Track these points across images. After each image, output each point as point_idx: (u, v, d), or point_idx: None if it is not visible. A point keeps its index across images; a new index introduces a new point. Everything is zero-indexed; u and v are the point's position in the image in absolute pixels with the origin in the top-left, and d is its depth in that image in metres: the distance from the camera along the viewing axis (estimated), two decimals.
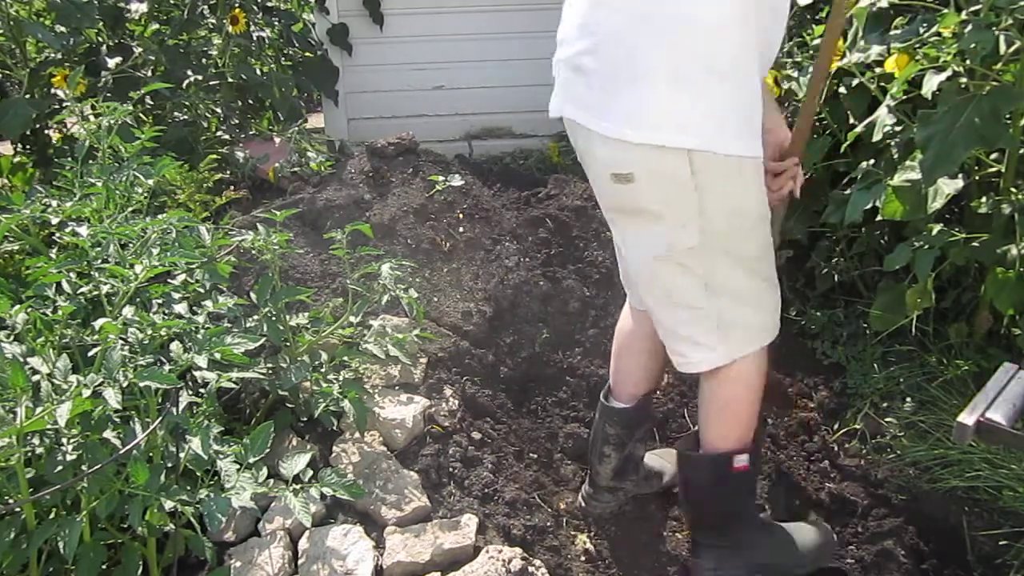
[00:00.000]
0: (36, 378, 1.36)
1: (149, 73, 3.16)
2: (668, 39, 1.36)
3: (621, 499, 1.91)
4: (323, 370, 1.85)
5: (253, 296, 1.84)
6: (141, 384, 1.33)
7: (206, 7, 3.37)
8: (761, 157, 1.47)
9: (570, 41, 1.47)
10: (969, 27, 1.72)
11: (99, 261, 1.59)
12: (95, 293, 1.61)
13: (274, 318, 1.81)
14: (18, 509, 1.28)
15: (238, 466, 1.37)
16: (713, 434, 1.64)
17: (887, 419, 2.05)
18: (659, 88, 1.37)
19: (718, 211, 1.44)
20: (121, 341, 1.44)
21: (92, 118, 2.13)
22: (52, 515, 1.34)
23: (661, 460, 2.00)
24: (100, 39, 3.22)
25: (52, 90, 2.88)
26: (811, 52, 2.42)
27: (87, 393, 1.27)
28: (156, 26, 3.38)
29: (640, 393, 1.84)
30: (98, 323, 1.44)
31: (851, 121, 2.14)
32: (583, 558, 1.79)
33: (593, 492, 1.89)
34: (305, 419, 1.86)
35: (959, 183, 1.83)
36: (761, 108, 1.45)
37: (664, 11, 1.35)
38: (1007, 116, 1.73)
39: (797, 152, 1.62)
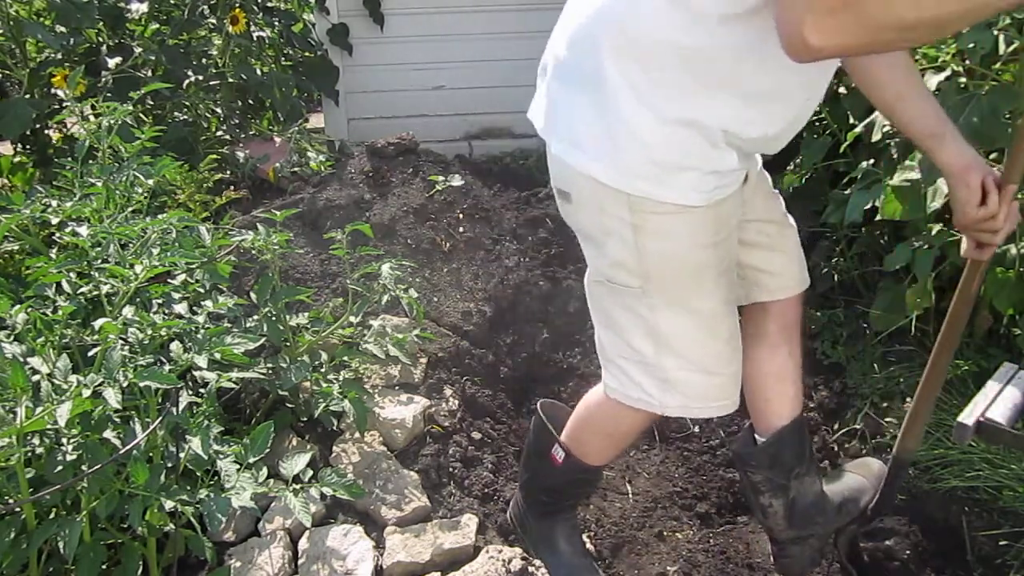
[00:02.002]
0: (36, 378, 1.36)
1: (149, 73, 3.16)
2: (608, 54, 1.15)
3: (816, 545, 1.56)
4: (323, 370, 1.86)
5: (253, 296, 1.84)
6: (141, 384, 1.33)
7: (206, 7, 3.37)
8: (711, 203, 1.20)
9: (550, 41, 1.31)
10: None
11: (99, 261, 1.59)
12: (95, 293, 1.61)
13: (274, 318, 1.81)
14: (18, 509, 1.28)
15: (238, 466, 1.37)
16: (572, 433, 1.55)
17: (887, 419, 2.05)
18: (605, 110, 1.16)
19: (659, 255, 1.24)
20: (121, 341, 1.44)
21: (92, 118, 2.13)
22: (52, 515, 1.34)
23: (852, 475, 1.66)
24: (100, 39, 3.23)
25: (52, 90, 2.88)
26: None
27: (87, 393, 1.27)
28: (156, 26, 3.38)
29: (780, 422, 1.50)
30: (98, 323, 1.44)
31: (851, 121, 2.13)
32: None
33: (779, 550, 1.58)
34: (305, 419, 1.87)
35: None
36: (728, 152, 1.18)
37: (610, 18, 1.14)
38: (1006, 115, 1.72)
39: (1014, 179, 1.24)
